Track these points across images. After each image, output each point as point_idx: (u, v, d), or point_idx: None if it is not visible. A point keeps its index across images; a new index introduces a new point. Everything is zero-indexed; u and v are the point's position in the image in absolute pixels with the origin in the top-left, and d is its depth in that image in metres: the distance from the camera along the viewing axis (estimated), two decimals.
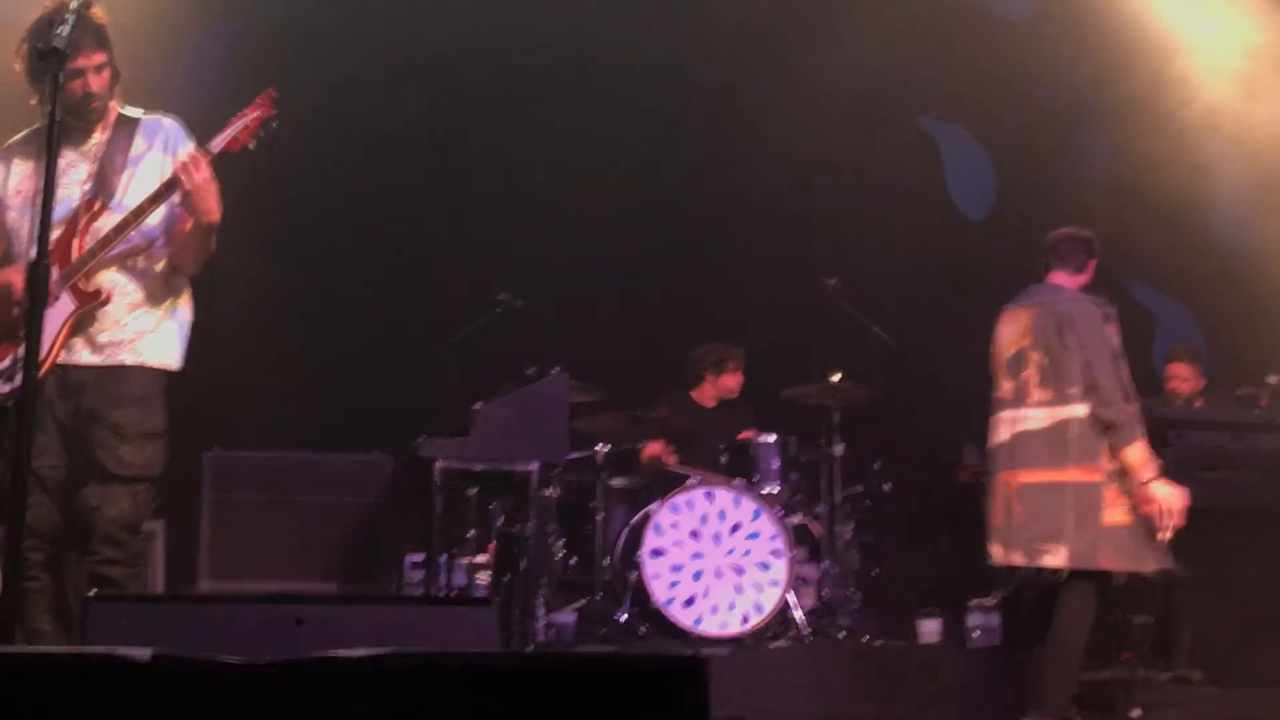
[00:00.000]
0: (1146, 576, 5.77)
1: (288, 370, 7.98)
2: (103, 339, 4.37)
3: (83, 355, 4.36)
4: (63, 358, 4.30)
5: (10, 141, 4.59)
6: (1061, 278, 5.85)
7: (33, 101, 4.38)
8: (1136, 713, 5.91)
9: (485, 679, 2.00)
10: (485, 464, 6.68)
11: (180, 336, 4.57)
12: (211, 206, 4.33)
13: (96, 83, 4.39)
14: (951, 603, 7.26)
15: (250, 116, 4.39)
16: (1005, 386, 5.80)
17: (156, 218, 4.41)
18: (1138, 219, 8.11)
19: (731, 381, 8.16)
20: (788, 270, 8.40)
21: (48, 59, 3.60)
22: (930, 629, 7.18)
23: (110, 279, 4.39)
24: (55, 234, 4.16)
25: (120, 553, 4.31)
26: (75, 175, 4.41)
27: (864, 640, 6.96)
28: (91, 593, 4.01)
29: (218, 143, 4.36)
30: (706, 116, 8.16)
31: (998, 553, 5.72)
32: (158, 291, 4.49)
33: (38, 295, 3.45)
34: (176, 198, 4.33)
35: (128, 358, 4.40)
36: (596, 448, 7.38)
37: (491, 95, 8.14)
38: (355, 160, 8.05)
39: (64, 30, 3.63)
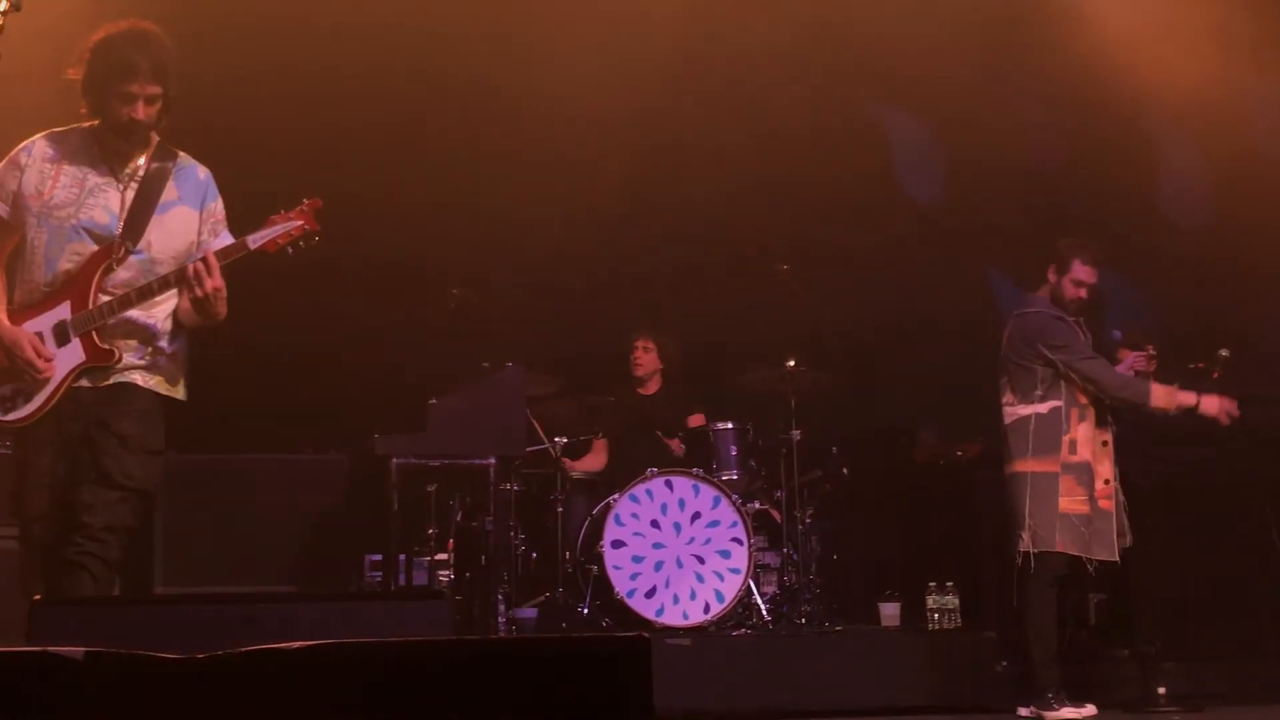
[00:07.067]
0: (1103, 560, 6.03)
1: (241, 371, 7.88)
2: (116, 368, 4.37)
3: (95, 378, 4.36)
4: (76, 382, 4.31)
5: (37, 137, 4.45)
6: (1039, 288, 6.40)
7: (81, 110, 4.36)
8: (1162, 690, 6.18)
9: (426, 666, 1.98)
10: (442, 460, 6.65)
11: (181, 369, 4.56)
12: (217, 311, 4.34)
13: (144, 112, 4.30)
14: (911, 586, 7.29)
15: (294, 224, 4.35)
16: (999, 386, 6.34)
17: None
18: (1085, 199, 8.16)
19: (641, 359, 8.06)
20: (740, 257, 8.39)
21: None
22: (890, 613, 7.22)
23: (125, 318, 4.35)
24: (74, 262, 4.27)
25: (101, 549, 4.27)
26: (104, 200, 4.35)
27: (825, 626, 6.98)
28: (36, 596, 3.97)
29: (256, 240, 4.35)
30: (656, 107, 8.13)
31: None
32: (163, 326, 4.46)
33: None
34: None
35: (137, 379, 4.40)
36: (554, 440, 7.35)
37: (441, 87, 8.09)
38: (306, 158, 7.97)
39: None
